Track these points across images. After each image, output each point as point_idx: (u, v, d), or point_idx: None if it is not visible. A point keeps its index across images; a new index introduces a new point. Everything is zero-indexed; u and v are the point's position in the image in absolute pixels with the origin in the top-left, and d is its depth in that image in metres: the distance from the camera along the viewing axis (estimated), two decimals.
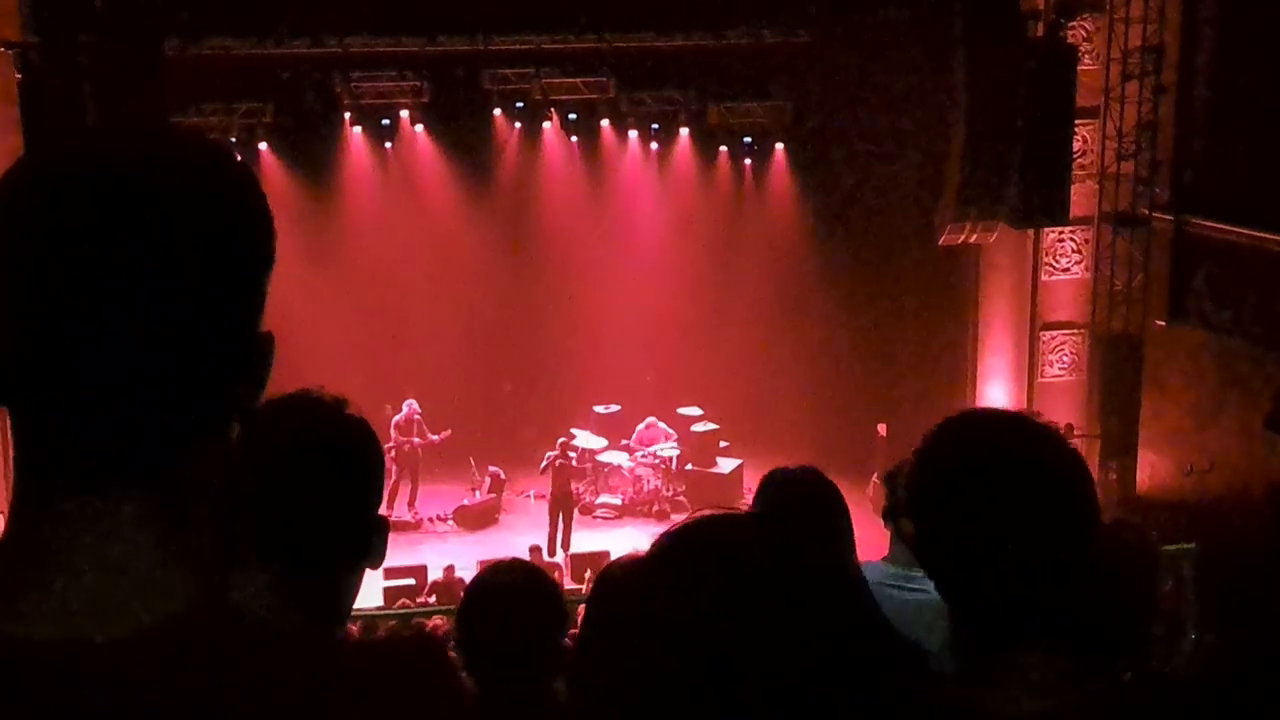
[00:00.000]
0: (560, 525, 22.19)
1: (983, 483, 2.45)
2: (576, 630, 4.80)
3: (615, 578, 4.40)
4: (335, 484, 2.66)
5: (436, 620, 15.13)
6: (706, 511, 1.74)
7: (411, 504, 22.91)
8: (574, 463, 22.86)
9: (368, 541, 2.71)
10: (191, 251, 1.47)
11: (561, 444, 22.56)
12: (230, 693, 1.42)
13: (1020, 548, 2.41)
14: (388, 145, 24.29)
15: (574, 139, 24.90)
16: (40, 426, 1.48)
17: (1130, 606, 5.39)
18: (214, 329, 1.49)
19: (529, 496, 23.89)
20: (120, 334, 1.43)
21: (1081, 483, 2.49)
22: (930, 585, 2.55)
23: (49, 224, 1.45)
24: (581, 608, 15.62)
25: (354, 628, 13.59)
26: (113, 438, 1.46)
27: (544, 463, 22.37)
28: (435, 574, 19.61)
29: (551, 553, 21.71)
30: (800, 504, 4.74)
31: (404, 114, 23.93)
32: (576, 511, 22.66)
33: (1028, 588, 2.43)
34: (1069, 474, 2.48)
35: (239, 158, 1.58)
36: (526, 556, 19.02)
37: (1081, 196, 21.19)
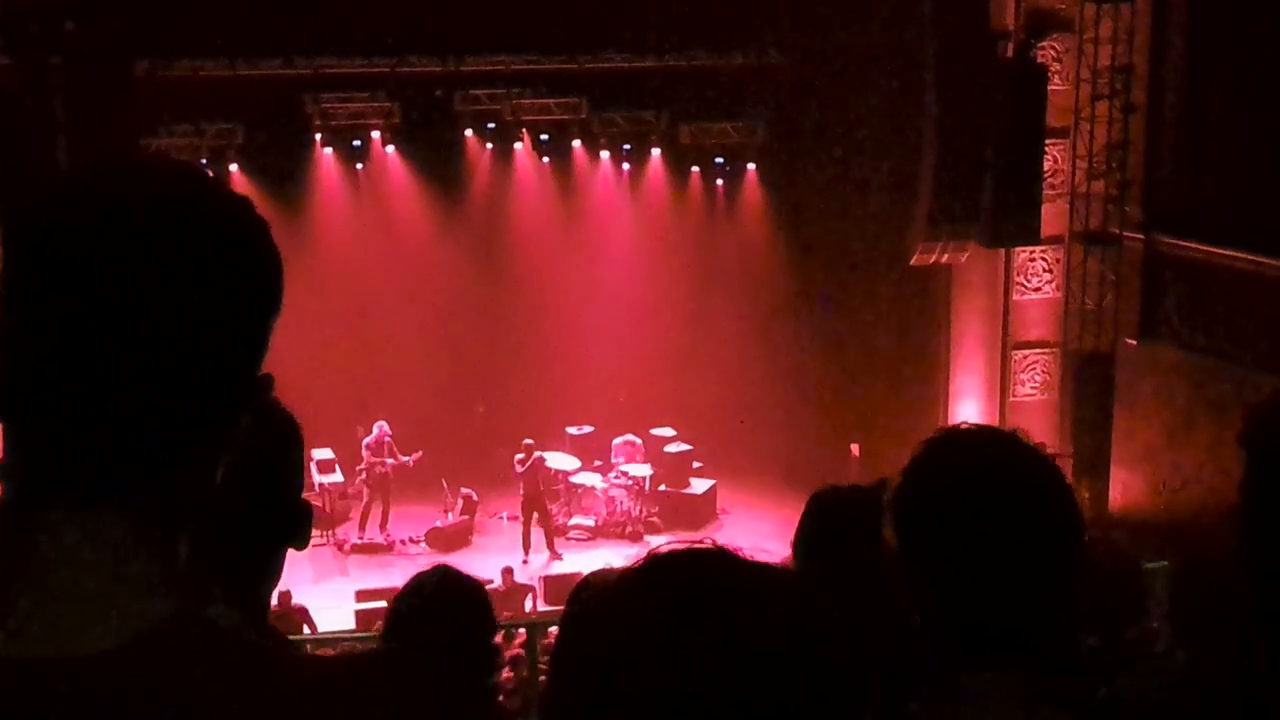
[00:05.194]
0: (535, 525, 22.55)
1: (968, 501, 2.44)
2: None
3: (592, 594, 4.41)
4: (259, 464, 2.65)
5: None
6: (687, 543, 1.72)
7: (383, 526, 22.83)
8: (542, 463, 23.00)
9: (295, 523, 2.69)
10: (198, 291, 1.51)
11: (526, 445, 22.67)
12: (198, 709, 1.44)
13: (1002, 567, 2.41)
14: (359, 166, 24.28)
15: (546, 160, 24.91)
16: (35, 441, 1.52)
17: (1108, 624, 5.39)
18: (213, 365, 1.54)
19: (501, 518, 23.82)
20: (120, 361, 1.48)
21: (1067, 505, 2.48)
22: None
23: (60, 252, 1.49)
24: (554, 630, 15.56)
25: (329, 652, 13.54)
26: (104, 455, 1.50)
27: (518, 467, 22.51)
28: None
29: (526, 549, 22.10)
30: (844, 521, 4.71)
31: (375, 135, 23.93)
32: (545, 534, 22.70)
33: (1008, 607, 2.42)
34: (1055, 496, 2.47)
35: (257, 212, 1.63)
36: (499, 579, 19.00)
37: (1052, 216, 21.25)
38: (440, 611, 4.65)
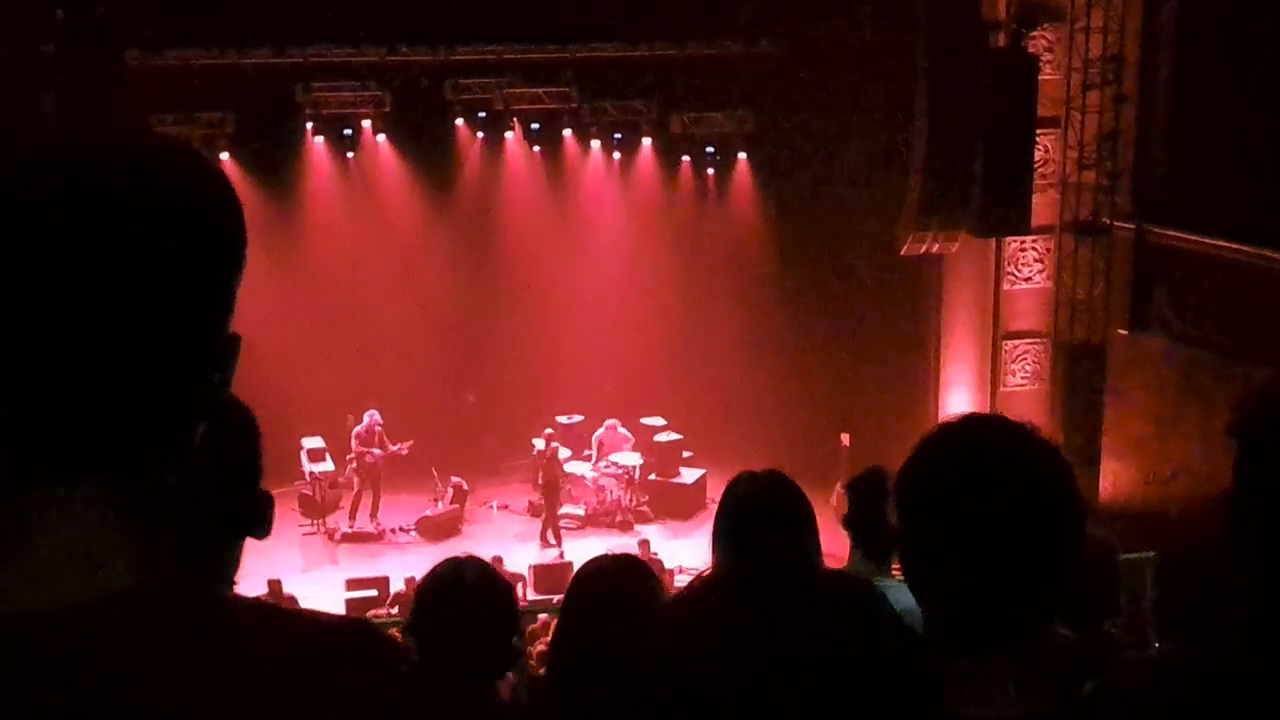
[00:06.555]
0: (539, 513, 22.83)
1: (975, 486, 2.43)
2: (544, 638, 4.78)
3: (598, 581, 4.40)
4: (217, 453, 2.65)
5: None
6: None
7: (373, 515, 22.83)
8: (557, 451, 23.15)
9: (255, 512, 2.69)
10: (161, 254, 1.50)
11: (548, 435, 22.82)
12: (159, 666, 1.45)
13: (1004, 555, 2.40)
14: (350, 155, 24.23)
15: (536, 149, 24.88)
16: (13, 421, 1.51)
17: (1092, 611, 5.40)
18: (181, 330, 1.54)
19: (492, 507, 23.87)
20: (86, 333, 1.48)
21: (1073, 498, 2.48)
22: (892, 594, 2.52)
23: (21, 222, 1.48)
24: (542, 616, 15.52)
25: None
26: (79, 430, 1.50)
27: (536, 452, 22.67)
28: (398, 585, 19.53)
29: (558, 540, 22.32)
30: (766, 508, 4.69)
31: (366, 124, 23.88)
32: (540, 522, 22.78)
33: (1007, 596, 2.42)
34: (1062, 487, 2.47)
35: (214, 164, 1.61)
36: None
37: (1043, 206, 21.26)
38: (472, 605, 4.55)
